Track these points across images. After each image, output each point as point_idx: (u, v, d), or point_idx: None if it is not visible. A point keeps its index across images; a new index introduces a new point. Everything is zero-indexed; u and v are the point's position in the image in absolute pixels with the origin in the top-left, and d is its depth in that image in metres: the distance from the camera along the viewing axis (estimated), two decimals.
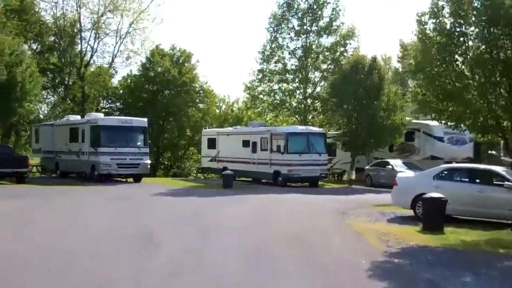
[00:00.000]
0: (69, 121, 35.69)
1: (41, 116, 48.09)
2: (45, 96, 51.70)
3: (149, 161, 31.99)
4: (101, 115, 34.72)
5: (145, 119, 32.77)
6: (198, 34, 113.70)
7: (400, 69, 60.32)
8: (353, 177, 35.85)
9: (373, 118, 32.76)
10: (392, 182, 18.48)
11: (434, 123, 34.94)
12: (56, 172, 35.99)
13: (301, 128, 33.61)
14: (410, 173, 21.61)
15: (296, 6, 39.94)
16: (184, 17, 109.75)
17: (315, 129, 34.31)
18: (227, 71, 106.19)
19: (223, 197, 23.04)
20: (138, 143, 32.05)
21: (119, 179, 32.20)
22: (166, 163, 54.03)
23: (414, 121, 35.98)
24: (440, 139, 33.82)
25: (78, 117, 36.10)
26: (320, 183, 32.39)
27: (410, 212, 17.14)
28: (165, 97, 49.26)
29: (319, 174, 31.60)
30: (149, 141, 32.62)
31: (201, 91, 51.51)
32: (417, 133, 34.95)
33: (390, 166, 32.01)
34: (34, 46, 50.50)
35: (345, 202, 21.61)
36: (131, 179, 31.89)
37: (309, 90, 40.32)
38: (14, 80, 31.38)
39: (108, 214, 16.67)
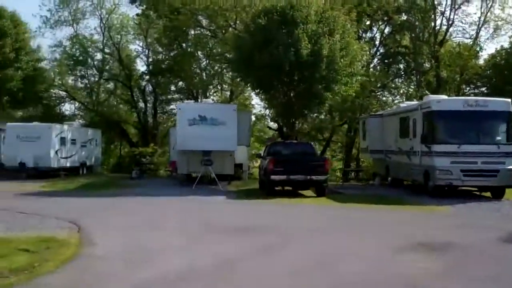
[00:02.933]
0: (399, 108, 25.58)
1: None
2: (394, 85, 42.85)
3: None
4: (442, 97, 23.50)
5: (509, 100, 20.31)
6: None
7: None
8: None
9: None
10: None
11: None
12: (387, 179, 26.40)
13: None
14: None
15: None
16: None
17: None
18: None
19: None
20: (497, 138, 19.95)
21: (474, 191, 20.72)
22: None
23: None
24: None
25: (414, 102, 25.71)
26: None
27: None
28: None
29: None
30: None
31: None
32: None
33: None
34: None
35: None
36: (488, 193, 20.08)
37: None
38: None
39: None
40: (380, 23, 41.15)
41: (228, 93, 46.16)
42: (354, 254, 9.89)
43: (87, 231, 11.78)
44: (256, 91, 28.66)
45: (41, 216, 14.12)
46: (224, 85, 46.53)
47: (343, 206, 18.02)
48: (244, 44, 24.86)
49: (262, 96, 28.91)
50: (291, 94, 25.55)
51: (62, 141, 31.20)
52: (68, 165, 32.29)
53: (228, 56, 32.12)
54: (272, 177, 20.57)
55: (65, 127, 32.45)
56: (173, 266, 8.59)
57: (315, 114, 37.65)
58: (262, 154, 25.18)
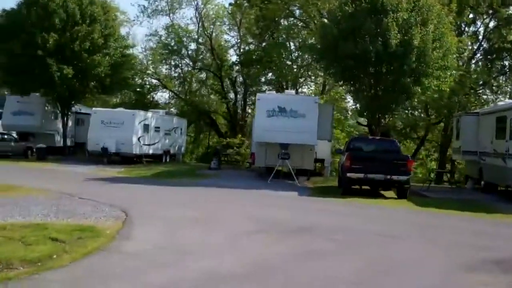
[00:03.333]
0: (496, 106, 23.33)
1: None
2: (497, 83, 39.68)
3: None
4: None
5: None
6: None
7: None
8: None
9: None
10: None
11: None
12: (480, 183, 24.17)
13: None
14: None
15: None
16: None
17: None
18: None
19: None
20: None
21: None
22: None
23: None
24: None
25: None
26: None
27: None
28: None
29: None
30: None
31: None
32: None
33: None
34: None
35: None
36: None
37: None
38: None
39: None
40: (484, 16, 38.18)
41: (321, 86, 44.91)
42: (412, 267, 8.55)
43: (132, 222, 11.17)
44: (340, 82, 27.28)
45: (97, 203, 13.74)
46: (317, 78, 45.29)
47: (423, 210, 16.39)
48: (329, 32, 23.59)
49: (346, 88, 27.49)
50: (378, 87, 23.98)
51: (146, 128, 31.35)
52: (150, 152, 32.49)
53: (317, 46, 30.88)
54: (349, 174, 19.22)
55: (149, 114, 32.60)
56: (197, 270, 7.67)
57: (409, 110, 35.77)
58: (342, 150, 23.83)
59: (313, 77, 44.77)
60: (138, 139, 30.40)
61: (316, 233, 11.04)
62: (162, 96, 52.19)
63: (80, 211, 12.21)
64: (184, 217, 12.25)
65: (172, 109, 49.92)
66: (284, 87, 41.60)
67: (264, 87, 45.61)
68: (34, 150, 30.44)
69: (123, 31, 36.51)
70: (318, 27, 28.65)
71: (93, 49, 30.31)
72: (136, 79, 45.69)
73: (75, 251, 8.18)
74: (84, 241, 8.94)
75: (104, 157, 29.18)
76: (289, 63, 42.72)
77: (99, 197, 14.81)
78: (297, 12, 40.89)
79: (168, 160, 34.71)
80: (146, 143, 31.59)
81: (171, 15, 47.73)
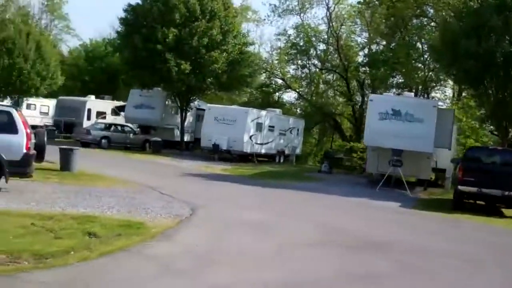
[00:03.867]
0: None
1: None
2: None
3: None
4: None
5: None
6: None
7: None
8: None
9: None
10: None
11: None
12: None
13: None
14: None
15: None
16: None
17: None
18: None
19: None
20: None
21: None
22: None
23: None
24: None
25: None
26: None
27: None
28: None
29: None
30: None
31: None
32: None
33: None
34: None
35: None
36: None
37: None
38: None
39: None
40: None
41: (457, 91, 41.68)
42: None
43: (189, 221, 10.56)
44: (462, 86, 24.81)
45: (173, 199, 13.35)
46: (454, 83, 42.08)
47: None
48: (450, 29, 21.42)
49: (468, 91, 24.93)
50: (505, 92, 21.39)
51: (259, 126, 30.85)
52: (263, 151, 31.96)
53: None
54: (460, 187, 17.19)
55: (263, 112, 32.04)
56: (208, 285, 6.72)
57: None
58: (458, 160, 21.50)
59: (443, 81, 41.53)
60: (250, 137, 29.98)
61: (386, 251, 9.63)
62: (290, 96, 51.60)
63: (147, 206, 11.80)
64: (249, 221, 11.38)
65: (297, 110, 49.27)
66: (414, 90, 39.21)
67: (393, 90, 43.32)
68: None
69: (247, 28, 36.27)
70: (440, 24, 26.37)
71: (211, 45, 30.32)
72: (263, 78, 45.56)
73: (96, 249, 7.62)
74: (118, 238, 8.41)
75: (215, 153, 29.13)
76: (420, 65, 40.17)
77: (179, 193, 14.40)
78: (431, 12, 38.27)
79: (282, 160, 33.97)
80: (258, 142, 31.11)
81: (301, 14, 47.16)
